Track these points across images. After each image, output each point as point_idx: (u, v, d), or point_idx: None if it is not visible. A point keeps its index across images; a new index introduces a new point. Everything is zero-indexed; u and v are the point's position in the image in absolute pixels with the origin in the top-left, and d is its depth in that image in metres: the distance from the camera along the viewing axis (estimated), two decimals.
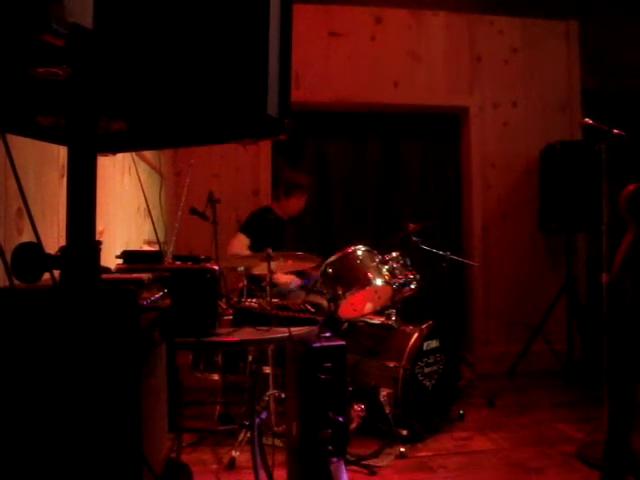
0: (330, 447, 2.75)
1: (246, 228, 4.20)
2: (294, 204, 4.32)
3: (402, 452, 3.30)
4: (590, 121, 3.21)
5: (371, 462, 3.18)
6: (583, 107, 5.57)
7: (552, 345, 5.16)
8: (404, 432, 3.47)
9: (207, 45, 0.92)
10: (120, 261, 2.05)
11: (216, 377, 3.48)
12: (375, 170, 5.56)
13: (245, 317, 2.58)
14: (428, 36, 5.39)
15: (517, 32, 5.56)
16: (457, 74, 5.47)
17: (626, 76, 5.63)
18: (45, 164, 1.96)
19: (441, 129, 5.68)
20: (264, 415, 3.13)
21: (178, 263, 2.22)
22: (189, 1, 0.88)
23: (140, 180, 3.10)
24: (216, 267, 2.24)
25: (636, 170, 5.24)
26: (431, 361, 3.72)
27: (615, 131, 3.08)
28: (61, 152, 2.06)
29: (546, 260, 5.50)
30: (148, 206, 3.43)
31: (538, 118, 5.53)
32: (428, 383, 3.68)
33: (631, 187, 2.70)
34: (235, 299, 2.92)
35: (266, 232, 4.10)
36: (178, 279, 2.06)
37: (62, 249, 1.03)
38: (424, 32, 5.39)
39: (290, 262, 3.35)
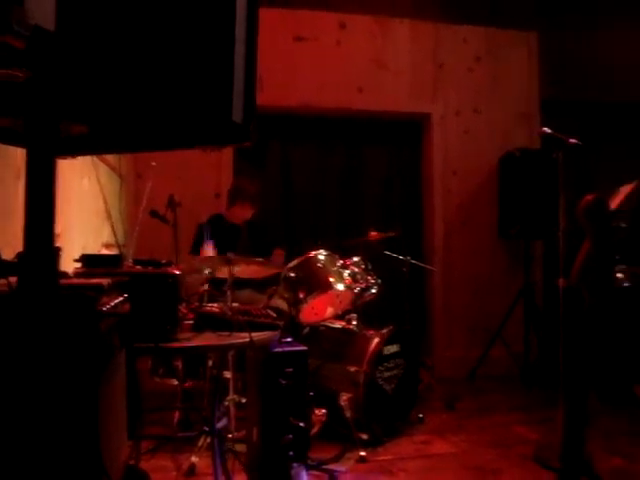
0: (291, 452, 2.74)
1: (194, 250, 4.14)
2: (238, 212, 4.32)
3: (362, 456, 3.31)
4: (548, 130, 3.27)
5: (332, 467, 3.18)
6: (543, 116, 5.68)
7: (510, 349, 5.25)
8: (364, 436, 3.48)
9: (171, 50, 0.91)
10: (78, 265, 2.02)
11: (175, 382, 3.43)
12: (339, 174, 5.57)
13: (206, 322, 2.56)
14: (393, 42, 5.44)
15: (480, 41, 5.65)
16: (421, 81, 5.52)
17: (584, 87, 5.77)
18: (0, 165, 1.91)
19: (404, 135, 5.73)
20: (224, 420, 3.11)
21: (138, 267, 2.18)
22: (153, 4, 0.87)
23: (99, 182, 3.04)
24: (177, 272, 2.22)
25: (593, 178, 5.39)
26: (391, 365, 3.74)
27: (572, 141, 3.15)
28: (18, 153, 2.01)
29: (505, 265, 5.59)
30: (107, 208, 3.37)
31: (499, 126, 5.63)
32: (388, 387, 3.70)
33: (589, 197, 2.76)
34: (196, 304, 2.90)
35: (220, 240, 4.05)
36: (138, 284, 2.03)
37: (19, 255, 1.00)
38: (389, 38, 5.43)
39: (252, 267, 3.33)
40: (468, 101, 5.61)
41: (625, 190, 3.06)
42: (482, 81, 5.64)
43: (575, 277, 2.67)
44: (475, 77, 5.63)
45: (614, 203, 2.95)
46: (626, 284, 2.86)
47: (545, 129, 3.32)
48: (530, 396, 4.75)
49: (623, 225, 2.68)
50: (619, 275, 2.79)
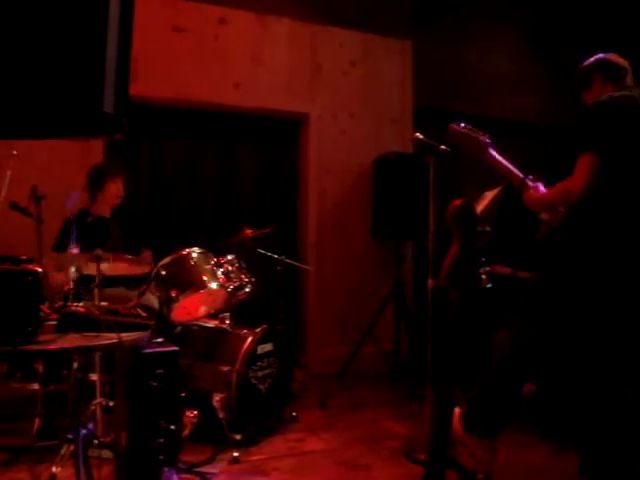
0: (161, 456, 2.65)
1: (58, 246, 3.92)
2: (112, 191, 4.13)
3: (235, 457, 3.27)
4: (421, 136, 3.40)
5: (204, 469, 3.12)
6: (416, 122, 5.90)
7: (381, 346, 5.41)
8: (238, 436, 3.45)
9: (38, 33, 0.83)
10: None
11: (36, 386, 3.22)
12: (215, 170, 5.49)
13: (71, 322, 2.43)
14: (272, 41, 5.43)
15: (357, 46, 5.78)
16: (298, 81, 5.56)
17: (454, 97, 6.08)
18: None
19: (281, 134, 5.74)
20: (90, 426, 2.95)
21: None
22: None
23: None
24: (39, 269, 2.09)
25: (461, 183, 5.67)
26: (265, 364, 3.73)
27: (442, 147, 3.28)
28: None
29: (377, 265, 5.76)
30: None
31: (374, 129, 5.79)
32: (262, 386, 3.69)
33: (457, 203, 2.89)
34: (60, 303, 2.74)
35: (86, 236, 3.86)
36: None
37: None
38: (268, 36, 5.42)
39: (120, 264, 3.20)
40: (344, 103, 5.72)
41: (490, 195, 3.25)
42: (358, 85, 5.77)
43: (443, 278, 2.79)
44: (351, 81, 5.75)
45: (480, 207, 3.12)
46: (489, 285, 3.03)
47: (418, 135, 3.45)
48: (399, 391, 4.92)
49: (488, 229, 2.83)
50: (483, 277, 2.95)
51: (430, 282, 2.86)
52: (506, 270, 4.35)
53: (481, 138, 2.93)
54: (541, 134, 6.52)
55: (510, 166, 2.90)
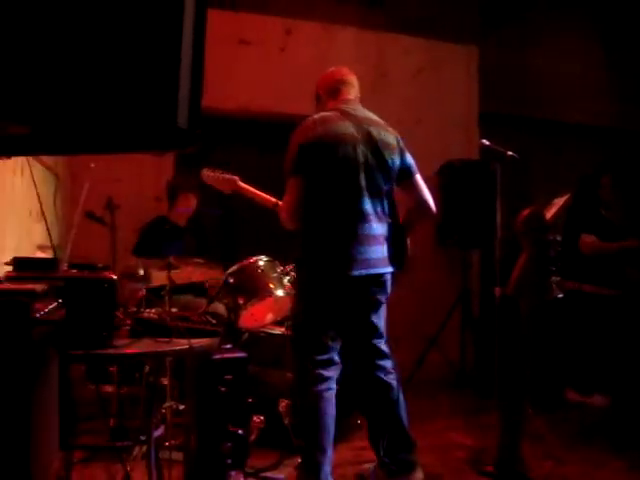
0: (229, 460, 2.71)
1: (140, 249, 4.07)
2: (182, 204, 4.35)
3: (301, 463, 3.29)
4: (487, 142, 3.37)
5: (270, 474, 3.16)
6: (482, 128, 5.81)
7: (447, 355, 5.34)
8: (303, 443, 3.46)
9: (116, 53, 0.88)
10: (9, 268, 1.95)
11: (110, 389, 3.34)
12: (282, 179, 5.53)
13: (144, 328, 2.51)
14: (337, 50, 5.46)
15: (422, 52, 5.74)
16: (363, 89, 5.55)
17: (520, 102, 5.96)
18: None
19: None
20: (161, 428, 3.04)
21: (74, 271, 2.13)
22: (100, 6, 0.84)
23: (34, 181, 2.93)
24: (114, 276, 2.17)
25: (528, 190, 5.55)
26: None
27: (509, 153, 3.24)
28: None
29: (443, 273, 5.68)
30: (42, 209, 3.26)
31: (439, 136, 5.71)
32: None
33: (526, 212, 2.84)
34: (134, 309, 2.83)
35: (164, 242, 4.01)
36: (73, 289, 1.98)
37: None
38: (333, 46, 5.45)
39: (190, 269, 3.30)
40: (409, 111, 5.68)
41: (559, 202, 3.17)
42: (423, 92, 5.73)
43: (512, 287, 2.74)
44: (416, 87, 5.71)
45: (549, 214, 3.05)
46: (559, 295, 2.95)
47: (484, 141, 3.42)
48: (465, 401, 4.84)
49: (558, 238, 2.76)
50: (554, 286, 2.87)
51: (497, 290, 2.82)
52: (571, 284, 4.22)
53: (228, 177, 3.35)
54: (611, 137, 6.31)
55: (262, 193, 3.32)
